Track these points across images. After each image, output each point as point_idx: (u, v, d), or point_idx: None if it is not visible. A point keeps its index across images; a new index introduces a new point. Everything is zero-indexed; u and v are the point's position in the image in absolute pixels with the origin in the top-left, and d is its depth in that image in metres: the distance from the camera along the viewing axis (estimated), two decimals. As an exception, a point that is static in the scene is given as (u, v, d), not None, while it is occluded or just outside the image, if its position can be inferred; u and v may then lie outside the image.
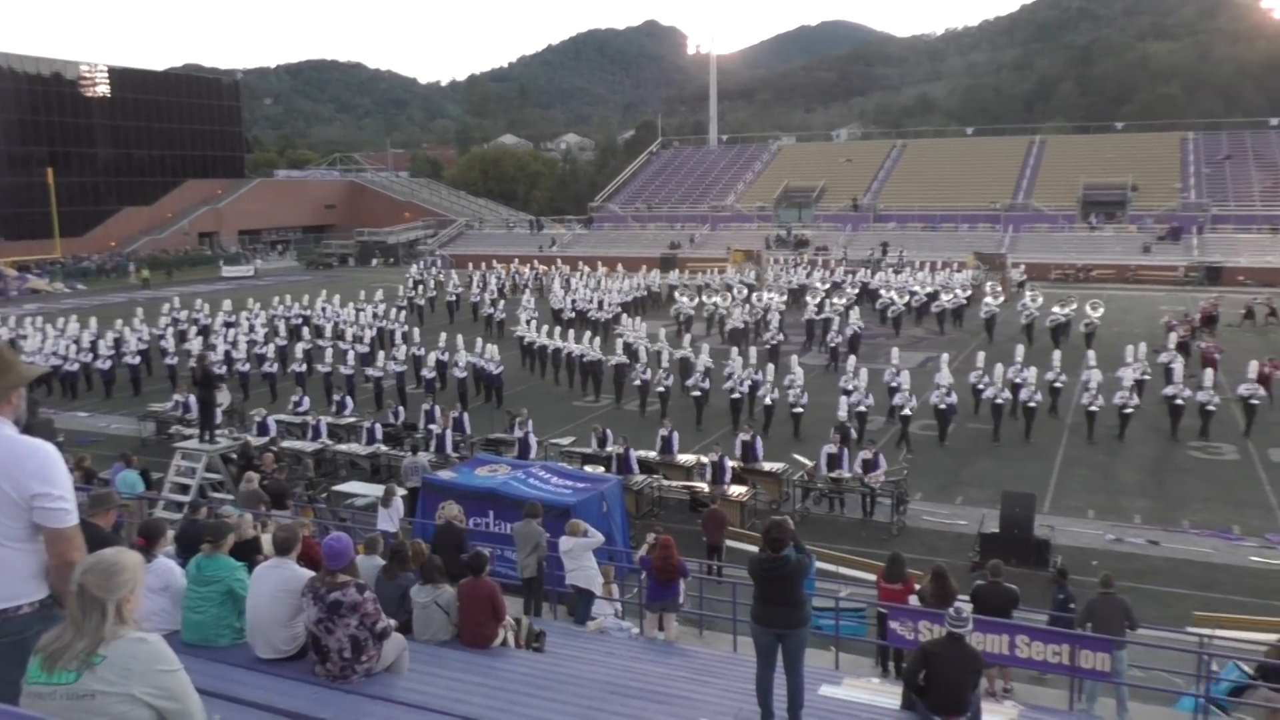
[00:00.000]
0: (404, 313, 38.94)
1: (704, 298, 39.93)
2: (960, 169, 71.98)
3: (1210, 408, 22.17)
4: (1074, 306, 33.84)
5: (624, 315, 34.76)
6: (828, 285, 41.83)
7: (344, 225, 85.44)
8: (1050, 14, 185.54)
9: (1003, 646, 9.76)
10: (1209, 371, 23.55)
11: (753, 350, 27.08)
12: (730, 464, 18.02)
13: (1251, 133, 71.16)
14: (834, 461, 17.94)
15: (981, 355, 25.10)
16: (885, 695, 7.86)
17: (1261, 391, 22.76)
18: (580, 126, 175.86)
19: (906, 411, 21.87)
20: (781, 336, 31.25)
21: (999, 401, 22.59)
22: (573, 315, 36.61)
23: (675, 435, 19.62)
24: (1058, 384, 24.13)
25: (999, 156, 73.81)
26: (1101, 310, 33.99)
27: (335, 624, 6.01)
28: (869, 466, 17.51)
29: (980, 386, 23.66)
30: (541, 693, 6.80)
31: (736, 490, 17.39)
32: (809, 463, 18.64)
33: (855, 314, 33.84)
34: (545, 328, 31.62)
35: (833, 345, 30.94)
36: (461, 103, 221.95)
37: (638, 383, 25.49)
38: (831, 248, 58.92)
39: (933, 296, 39.65)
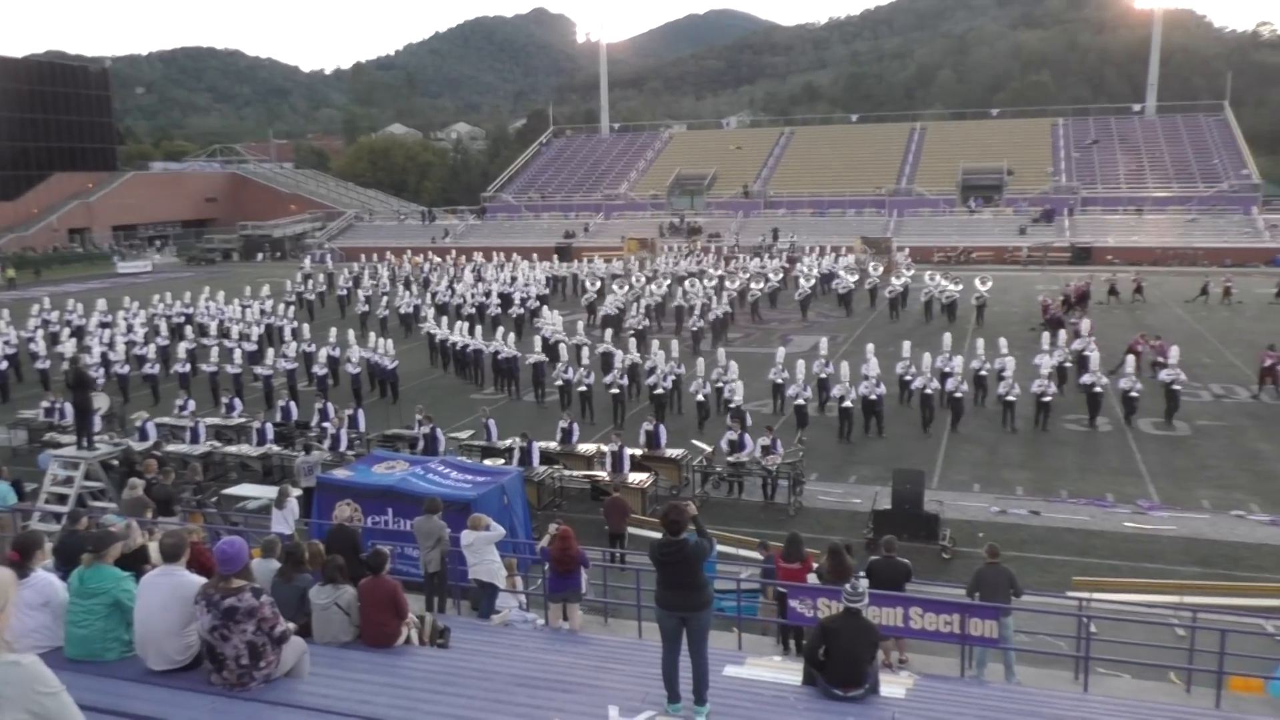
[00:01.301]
0: (293, 308, 37.89)
1: (589, 284, 39.86)
2: (846, 155, 73.71)
3: (1133, 394, 21.97)
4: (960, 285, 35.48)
5: (544, 308, 34.12)
6: (721, 272, 42.38)
7: (226, 219, 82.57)
8: (928, 3, 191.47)
9: (897, 619, 10.10)
10: (1131, 359, 23.49)
11: (674, 342, 25.98)
12: (630, 452, 18.12)
13: (1116, 118, 74.91)
14: (735, 448, 18.21)
15: (907, 345, 24.66)
16: (787, 672, 8.04)
17: (1183, 376, 22.67)
18: (470, 115, 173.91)
19: (847, 404, 21.56)
20: (647, 322, 31.48)
21: (929, 391, 22.22)
22: (473, 311, 35.73)
23: (575, 426, 19.63)
24: (983, 372, 23.91)
25: (882, 143, 75.85)
26: (990, 284, 35.54)
27: (231, 631, 5.85)
28: (767, 450, 17.85)
29: (908, 377, 23.47)
30: (447, 689, 6.75)
31: (637, 478, 17.49)
32: (708, 448, 18.88)
33: (722, 298, 34.34)
34: (460, 324, 30.61)
35: (694, 329, 31.10)
36: (347, 92, 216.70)
37: (559, 382, 24.39)
38: (724, 234, 59.65)
39: (827, 278, 40.95)
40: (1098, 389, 22.19)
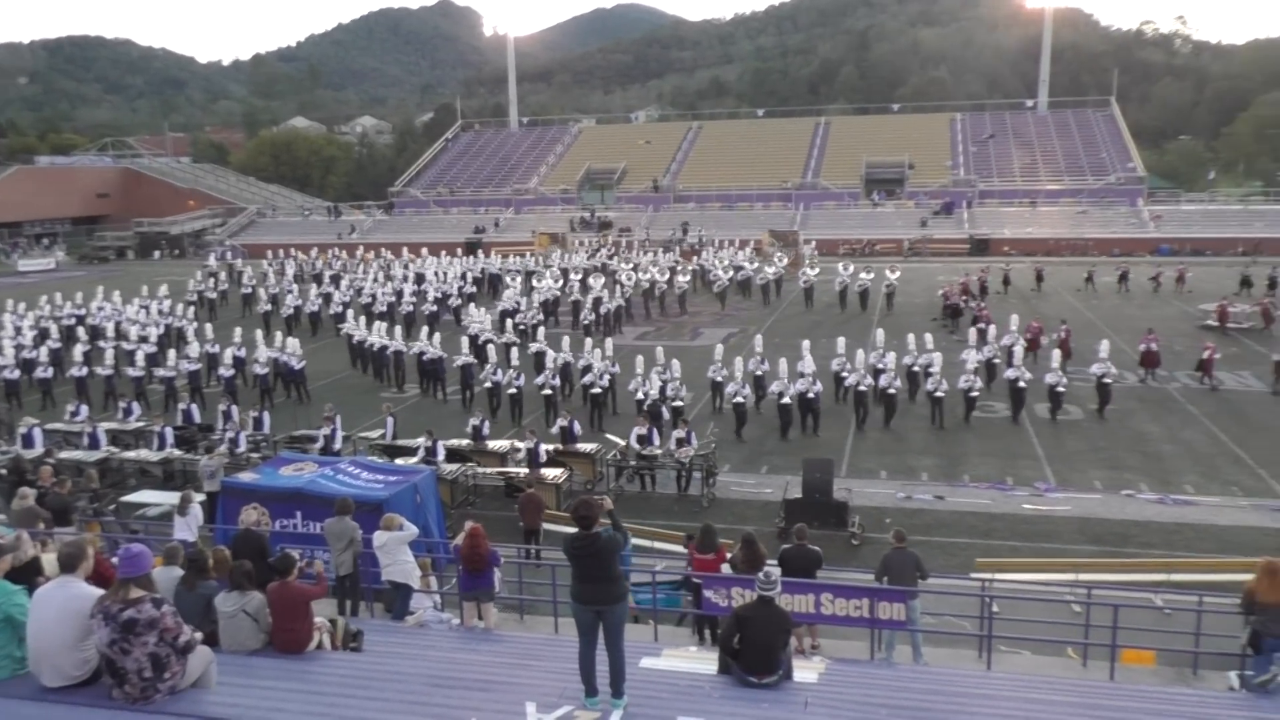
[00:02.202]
0: (193, 308, 36.75)
1: (509, 280, 39.60)
2: (753, 149, 74.61)
3: (1059, 389, 22.30)
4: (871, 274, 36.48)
5: (471, 306, 33.45)
6: (630, 266, 42.46)
7: (120, 215, 79.46)
8: (830, 0, 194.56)
9: (809, 605, 10.29)
10: (1057, 353, 23.79)
11: (609, 341, 25.21)
12: (545, 448, 18.08)
13: (1011, 114, 77.42)
14: (644, 442, 18.32)
15: (842, 341, 24.35)
16: (703, 662, 8.14)
17: (1114, 370, 23.11)
18: (376, 109, 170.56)
19: (785, 400, 21.50)
20: (541, 316, 31.54)
21: (862, 388, 22.01)
22: (384, 309, 34.73)
23: (486, 423, 19.50)
24: (915, 368, 23.74)
25: (788, 137, 77.01)
26: (899, 273, 36.53)
27: (132, 644, 5.67)
28: (682, 443, 18.00)
29: (844, 374, 23.33)
30: (361, 692, 6.67)
31: (552, 473, 17.46)
32: (621, 442, 18.96)
33: (615, 293, 34.64)
34: (378, 325, 29.34)
35: (585, 323, 31.22)
36: (246, 84, 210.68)
37: (488, 385, 23.44)
38: (634, 229, 59.84)
39: (737, 270, 41.72)
40: (1021, 384, 22.36)
